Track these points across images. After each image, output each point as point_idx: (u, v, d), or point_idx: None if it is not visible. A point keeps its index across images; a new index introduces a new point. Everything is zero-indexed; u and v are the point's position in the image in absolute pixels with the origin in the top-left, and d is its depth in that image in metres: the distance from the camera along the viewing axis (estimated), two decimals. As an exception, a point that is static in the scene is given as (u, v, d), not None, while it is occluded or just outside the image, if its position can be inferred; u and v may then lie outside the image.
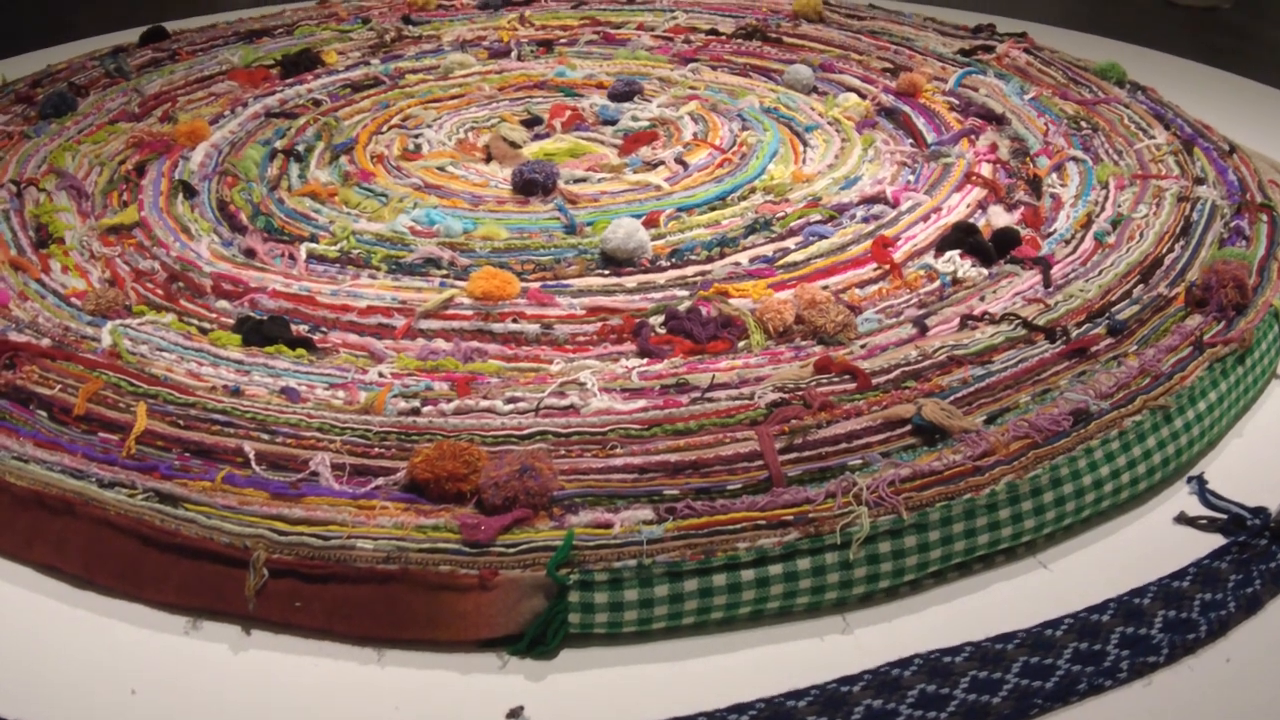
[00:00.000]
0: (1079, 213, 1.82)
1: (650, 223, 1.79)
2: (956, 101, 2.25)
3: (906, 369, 1.42)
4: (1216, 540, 1.32)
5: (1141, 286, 1.60)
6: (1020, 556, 1.30)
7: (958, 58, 2.47)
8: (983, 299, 1.59)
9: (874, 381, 1.40)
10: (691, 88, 2.36)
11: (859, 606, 1.23)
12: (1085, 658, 1.16)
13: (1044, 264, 1.65)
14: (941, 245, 1.74)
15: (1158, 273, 1.63)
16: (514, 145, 2.10)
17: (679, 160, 1.98)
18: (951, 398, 1.37)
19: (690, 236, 1.76)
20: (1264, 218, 1.80)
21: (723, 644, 1.19)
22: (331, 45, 2.60)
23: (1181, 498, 1.39)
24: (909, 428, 1.32)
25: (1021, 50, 2.47)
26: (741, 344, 1.52)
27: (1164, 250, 1.68)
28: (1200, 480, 1.40)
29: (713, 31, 2.68)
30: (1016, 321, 1.51)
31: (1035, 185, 1.93)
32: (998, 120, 2.18)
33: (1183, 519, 1.35)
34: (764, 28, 2.68)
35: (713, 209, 1.85)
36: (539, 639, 1.17)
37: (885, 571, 1.22)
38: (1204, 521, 1.35)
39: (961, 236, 1.74)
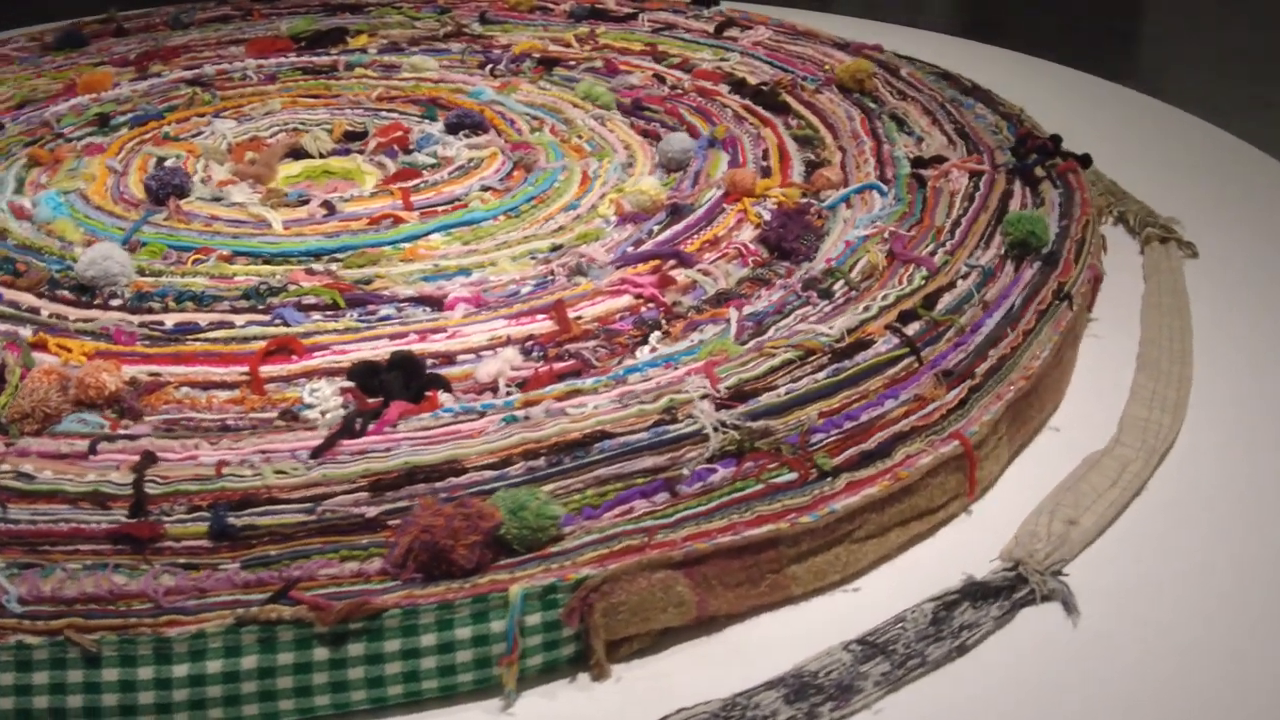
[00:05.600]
0: (574, 385, 1.29)
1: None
2: (772, 221, 1.66)
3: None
4: None
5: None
6: None
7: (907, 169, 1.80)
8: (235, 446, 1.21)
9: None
10: (571, 138, 2.00)
11: None
12: None
13: (343, 431, 1.21)
14: (355, 372, 1.34)
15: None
16: (302, 155, 1.95)
17: (325, 204, 1.71)
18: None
19: (183, 283, 1.54)
20: (783, 465, 1.15)
21: None
22: (395, 29, 2.57)
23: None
24: None
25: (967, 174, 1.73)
26: (-15, 406, 1.32)
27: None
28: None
29: (739, 82, 2.22)
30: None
31: (644, 341, 1.40)
32: (786, 255, 1.58)
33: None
34: (786, 87, 2.16)
35: (267, 262, 1.59)
36: None
37: None
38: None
39: (380, 368, 1.33)
